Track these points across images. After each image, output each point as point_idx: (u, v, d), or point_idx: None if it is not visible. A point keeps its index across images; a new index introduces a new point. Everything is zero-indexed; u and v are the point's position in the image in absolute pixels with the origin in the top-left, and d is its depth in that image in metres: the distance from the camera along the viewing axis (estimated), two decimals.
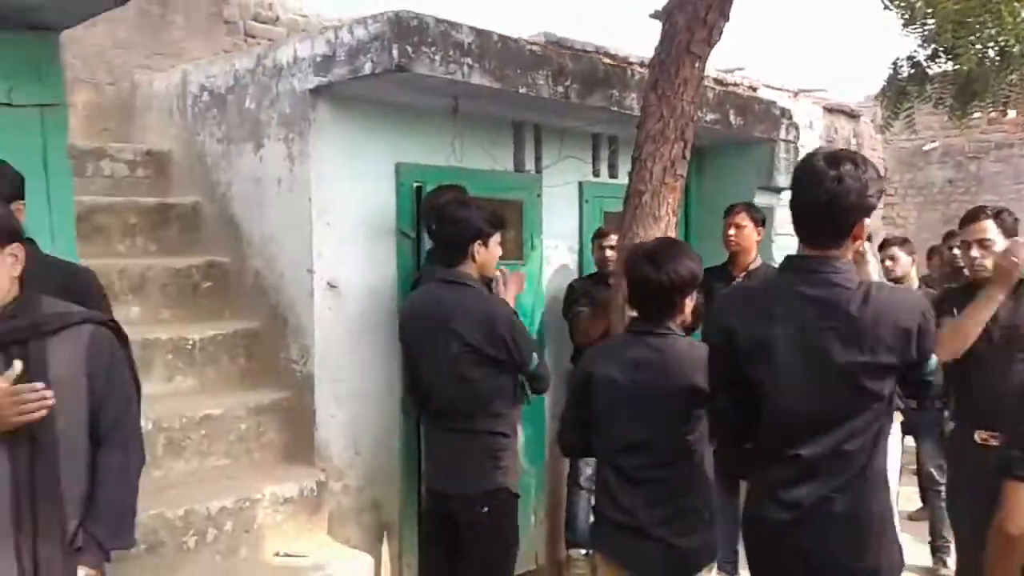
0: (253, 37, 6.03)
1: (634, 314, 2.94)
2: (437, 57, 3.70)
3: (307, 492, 3.85)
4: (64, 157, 3.13)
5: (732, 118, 5.40)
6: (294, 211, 4.04)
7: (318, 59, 3.87)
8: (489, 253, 3.42)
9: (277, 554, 3.67)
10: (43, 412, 2.16)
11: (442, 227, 3.41)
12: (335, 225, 4.01)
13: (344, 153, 4.03)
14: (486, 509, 3.27)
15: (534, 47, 4.18)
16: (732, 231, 4.66)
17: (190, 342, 4.03)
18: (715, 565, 2.87)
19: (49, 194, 3.02)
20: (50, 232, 3.01)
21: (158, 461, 3.58)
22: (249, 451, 3.94)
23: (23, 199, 2.67)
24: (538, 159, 4.91)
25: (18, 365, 2.16)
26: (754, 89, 7.20)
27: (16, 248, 2.24)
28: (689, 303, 2.84)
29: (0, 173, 2.59)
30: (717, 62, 6.26)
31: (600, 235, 4.82)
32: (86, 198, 4.25)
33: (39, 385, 2.15)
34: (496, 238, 3.44)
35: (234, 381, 4.18)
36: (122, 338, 2.46)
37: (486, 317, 3.27)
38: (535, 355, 3.41)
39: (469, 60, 3.83)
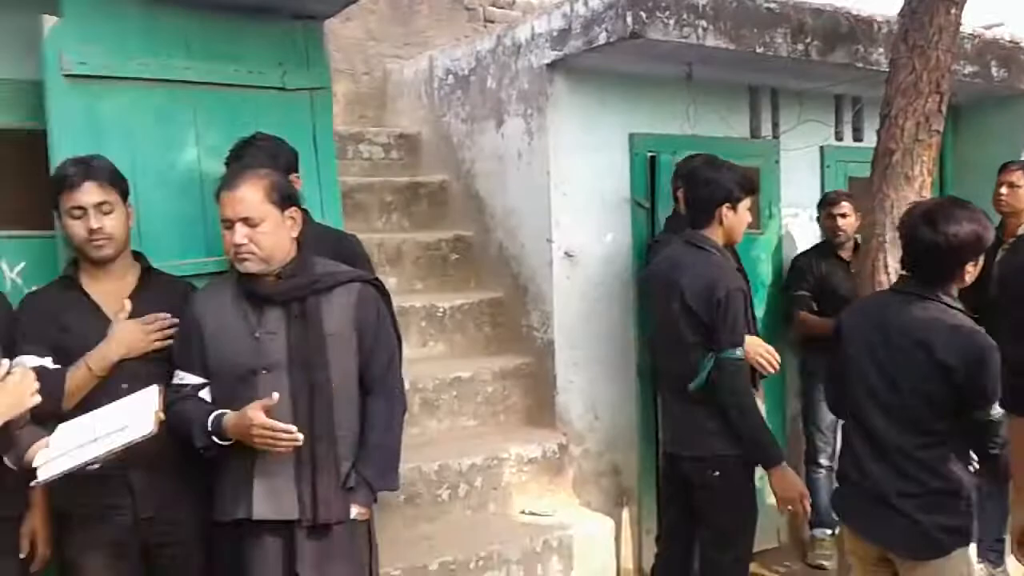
0: (492, 22, 6.31)
1: (904, 272, 2.74)
2: (671, 21, 3.69)
3: (549, 454, 3.99)
4: (330, 138, 3.39)
5: (994, 70, 4.98)
6: (533, 184, 4.18)
7: (554, 33, 3.98)
8: (737, 218, 3.27)
9: (523, 511, 3.83)
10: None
11: (692, 188, 3.35)
12: (571, 196, 4.11)
13: (579, 125, 4.13)
14: (717, 473, 3.20)
15: (771, 4, 4.05)
16: (1004, 190, 4.28)
17: (440, 310, 4.30)
18: (971, 549, 2.65)
19: (319, 171, 3.29)
20: (320, 207, 3.26)
21: (414, 419, 3.84)
22: (495, 413, 4.15)
23: (298, 172, 2.97)
24: (775, 124, 4.76)
25: (275, 396, 2.31)
26: (1017, 43, 6.55)
27: (294, 212, 2.49)
28: (972, 270, 2.59)
29: (278, 149, 2.88)
30: (973, 18, 5.73)
31: (829, 202, 4.55)
32: (348, 178, 4.62)
33: (293, 428, 2.30)
34: (746, 203, 3.29)
35: (480, 347, 4.41)
36: (386, 296, 2.66)
37: (711, 280, 3.12)
38: (741, 348, 3.12)
39: (703, 22, 3.79)
